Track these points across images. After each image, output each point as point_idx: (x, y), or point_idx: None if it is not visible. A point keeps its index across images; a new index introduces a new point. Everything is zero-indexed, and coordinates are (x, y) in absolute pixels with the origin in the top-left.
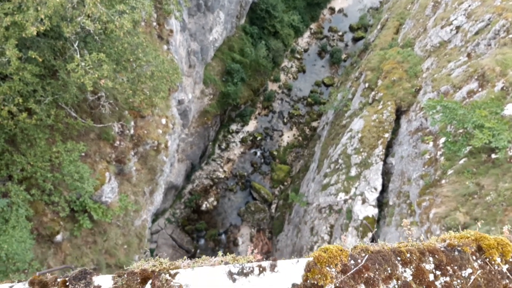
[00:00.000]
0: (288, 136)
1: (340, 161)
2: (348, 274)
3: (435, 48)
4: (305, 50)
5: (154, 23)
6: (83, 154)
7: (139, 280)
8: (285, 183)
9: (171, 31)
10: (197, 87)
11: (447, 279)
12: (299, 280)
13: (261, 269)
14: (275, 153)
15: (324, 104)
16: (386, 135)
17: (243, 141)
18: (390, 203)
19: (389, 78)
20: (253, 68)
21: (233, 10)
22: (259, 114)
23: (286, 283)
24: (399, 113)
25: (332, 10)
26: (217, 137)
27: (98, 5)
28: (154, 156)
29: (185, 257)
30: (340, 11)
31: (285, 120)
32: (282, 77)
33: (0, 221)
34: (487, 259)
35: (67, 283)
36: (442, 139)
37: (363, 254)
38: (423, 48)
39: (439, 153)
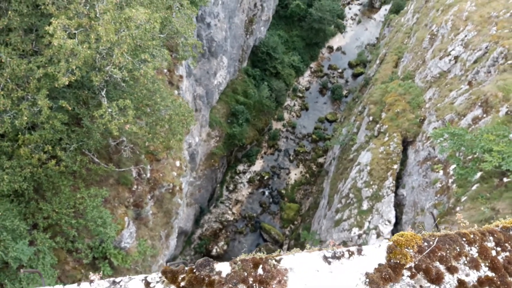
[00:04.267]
0: (295, 174)
1: (351, 195)
2: (424, 253)
3: (436, 78)
4: (307, 89)
5: (165, 70)
6: (103, 199)
7: (252, 266)
8: (296, 222)
9: (181, 76)
10: (203, 130)
11: (507, 254)
12: (383, 261)
13: (350, 253)
14: (283, 191)
15: (329, 140)
16: (395, 166)
17: (250, 181)
18: None
19: (393, 110)
20: (257, 108)
21: (236, 54)
22: (265, 153)
23: (373, 263)
24: (406, 144)
25: (330, 48)
26: (224, 178)
27: (125, 54)
28: (170, 199)
29: (279, 249)
30: (338, 49)
31: (291, 158)
32: (286, 115)
33: None
34: None
35: (194, 270)
36: (452, 166)
37: (433, 237)
38: (423, 79)
39: (450, 180)
